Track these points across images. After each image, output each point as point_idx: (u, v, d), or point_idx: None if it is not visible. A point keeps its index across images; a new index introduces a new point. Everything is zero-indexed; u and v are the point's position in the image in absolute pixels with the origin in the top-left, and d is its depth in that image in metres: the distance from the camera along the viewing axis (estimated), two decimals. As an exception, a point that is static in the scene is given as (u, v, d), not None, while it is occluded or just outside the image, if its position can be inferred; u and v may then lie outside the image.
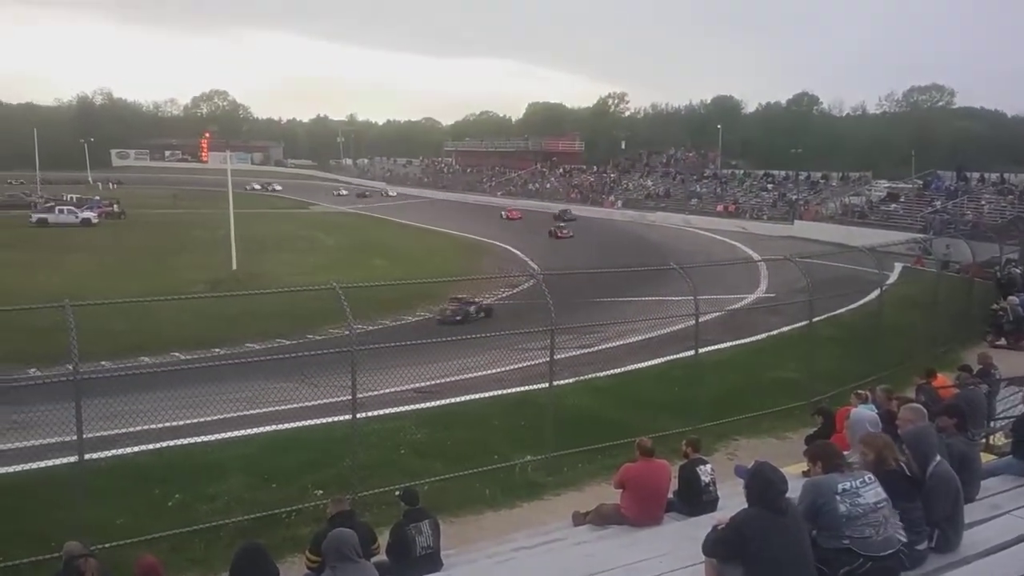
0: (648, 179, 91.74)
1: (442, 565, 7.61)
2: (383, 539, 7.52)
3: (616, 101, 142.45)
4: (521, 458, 11.65)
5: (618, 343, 21.44)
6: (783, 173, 76.78)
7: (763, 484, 5.28)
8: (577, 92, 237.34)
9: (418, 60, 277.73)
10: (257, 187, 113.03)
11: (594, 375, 16.22)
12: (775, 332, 20.89)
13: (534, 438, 12.12)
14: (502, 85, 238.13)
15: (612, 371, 16.86)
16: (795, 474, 7.72)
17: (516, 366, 17.38)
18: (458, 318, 30.97)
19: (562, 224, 68.48)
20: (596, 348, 20.74)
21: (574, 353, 18.72)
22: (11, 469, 11.55)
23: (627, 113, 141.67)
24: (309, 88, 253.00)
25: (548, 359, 12.21)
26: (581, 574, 6.87)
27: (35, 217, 64.46)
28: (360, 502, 9.66)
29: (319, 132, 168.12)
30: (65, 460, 9.82)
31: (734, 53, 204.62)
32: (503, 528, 9.76)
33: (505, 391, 15.14)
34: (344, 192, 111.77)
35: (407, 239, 64.68)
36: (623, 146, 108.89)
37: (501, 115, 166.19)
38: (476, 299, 33.64)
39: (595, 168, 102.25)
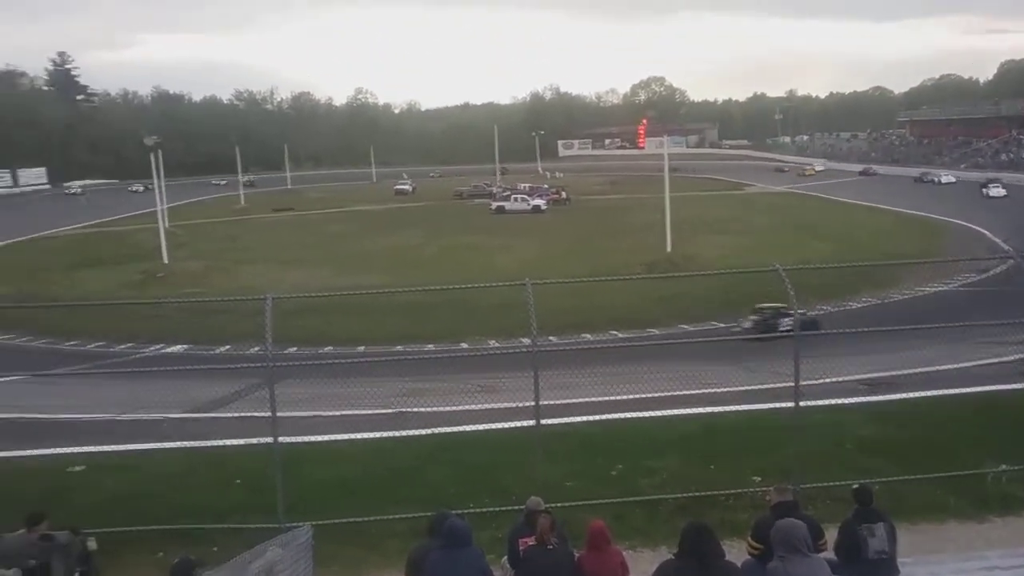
0: None
1: (898, 573, 6.91)
2: (830, 536, 7.04)
3: None
4: (994, 467, 10.13)
5: None
6: None
7: None
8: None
9: (866, 26, 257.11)
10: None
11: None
12: None
13: (1010, 445, 10.46)
14: (967, 44, 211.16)
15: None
16: None
17: (983, 361, 15.27)
18: None
19: None
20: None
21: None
22: (479, 427, 13.16)
23: None
24: (746, 66, 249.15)
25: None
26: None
27: (494, 205, 72.72)
28: (802, 494, 9.18)
29: (755, 111, 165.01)
30: (524, 423, 10.85)
31: None
32: (971, 543, 8.59)
33: (970, 389, 13.35)
34: (786, 169, 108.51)
35: (850, 219, 60.61)
36: None
37: (965, 78, 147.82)
38: None
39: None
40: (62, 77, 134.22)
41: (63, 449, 12.72)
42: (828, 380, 13.16)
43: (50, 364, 24.42)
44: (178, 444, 13.12)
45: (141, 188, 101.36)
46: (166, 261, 48.50)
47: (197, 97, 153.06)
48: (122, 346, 28.34)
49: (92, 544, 8.20)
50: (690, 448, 11.19)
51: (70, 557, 7.90)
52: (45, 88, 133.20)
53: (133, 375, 20.75)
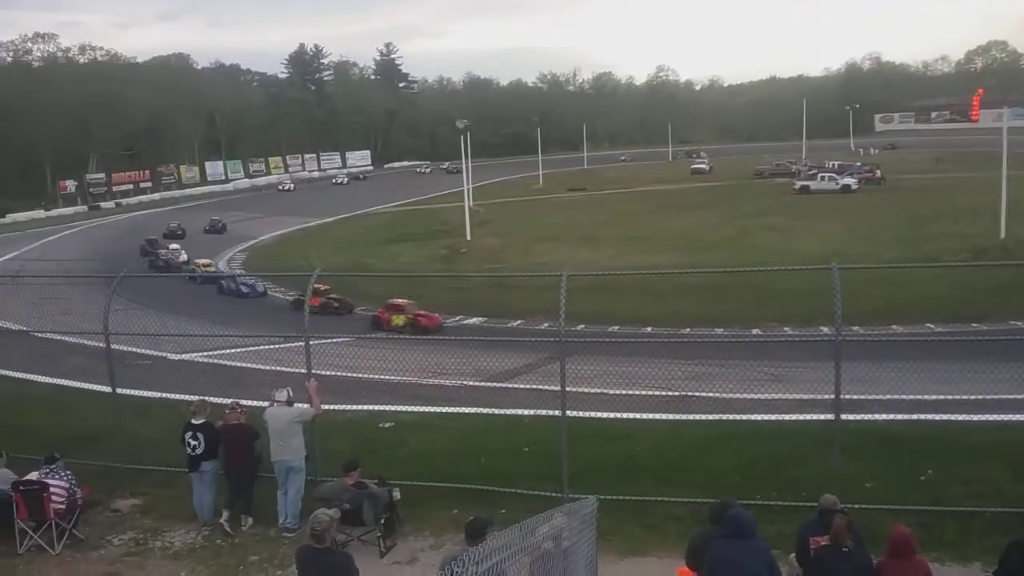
0: None
1: None
2: None
3: None
4: None
5: None
6: None
7: None
8: None
9: None
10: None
11: None
12: None
13: None
14: None
15: None
16: None
17: None
18: None
19: None
20: None
21: None
22: (769, 417, 12.60)
23: None
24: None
25: None
26: None
27: (798, 184, 68.73)
28: None
29: None
30: (820, 416, 10.17)
31: None
32: None
33: None
34: None
35: None
36: None
37: None
38: None
39: None
40: (387, 66, 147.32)
41: (375, 406, 14.08)
42: None
43: (368, 329, 27.18)
44: (473, 410, 13.99)
45: (428, 169, 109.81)
46: (469, 238, 51.84)
47: (504, 81, 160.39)
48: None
49: (397, 494, 8.99)
50: (1018, 459, 9.83)
51: (378, 504, 8.73)
52: (373, 77, 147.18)
53: (436, 343, 22.39)
